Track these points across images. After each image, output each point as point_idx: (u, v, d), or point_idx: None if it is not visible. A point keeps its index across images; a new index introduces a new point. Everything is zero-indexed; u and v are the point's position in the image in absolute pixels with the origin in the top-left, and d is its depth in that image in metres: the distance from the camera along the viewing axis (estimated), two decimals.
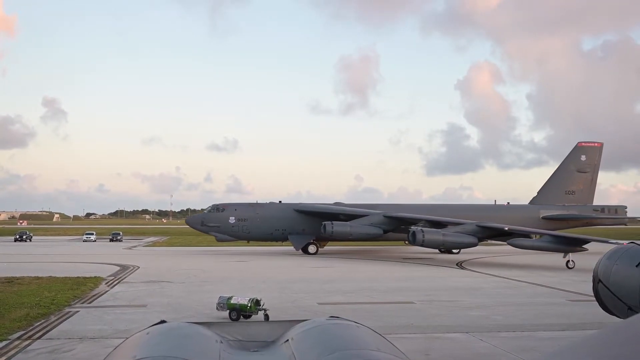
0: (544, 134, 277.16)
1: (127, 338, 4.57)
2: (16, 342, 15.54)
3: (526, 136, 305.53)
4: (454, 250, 52.60)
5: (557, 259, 45.84)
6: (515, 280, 32.67)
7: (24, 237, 78.61)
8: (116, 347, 4.44)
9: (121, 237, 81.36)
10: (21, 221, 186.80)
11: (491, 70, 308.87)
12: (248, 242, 55.95)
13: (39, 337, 16.19)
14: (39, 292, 24.87)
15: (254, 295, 20.06)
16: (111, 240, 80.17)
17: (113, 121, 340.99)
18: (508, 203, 64.22)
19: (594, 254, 53.10)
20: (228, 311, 19.08)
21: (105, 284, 29.06)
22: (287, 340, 4.43)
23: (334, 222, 49.62)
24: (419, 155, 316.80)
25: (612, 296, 9.67)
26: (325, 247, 55.51)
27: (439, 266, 41.88)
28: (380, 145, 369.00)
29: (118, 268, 37.70)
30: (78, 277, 30.46)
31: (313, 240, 52.82)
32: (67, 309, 21.02)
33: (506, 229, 45.26)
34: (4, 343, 15.42)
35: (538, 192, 63.73)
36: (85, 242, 76.53)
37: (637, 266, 9.23)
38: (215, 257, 49.39)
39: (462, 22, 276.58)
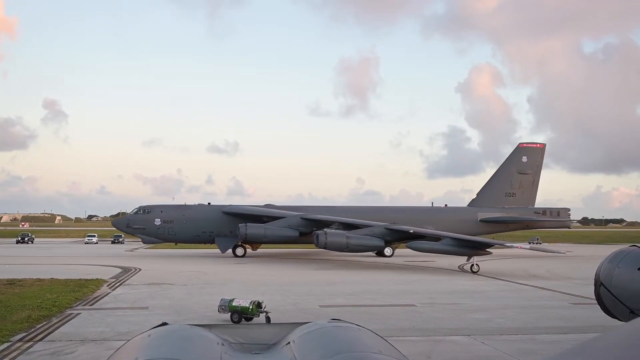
0: (545, 137, 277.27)
1: (128, 340, 4.58)
2: (18, 344, 15.54)
3: (527, 139, 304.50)
4: (387, 253, 51.21)
5: (560, 262, 45.83)
6: (517, 283, 32.64)
7: (26, 239, 78.74)
8: (118, 349, 4.44)
9: (123, 239, 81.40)
10: (23, 223, 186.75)
11: (492, 72, 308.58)
12: (176, 244, 55.22)
13: (41, 339, 16.20)
14: (40, 294, 24.88)
15: (256, 298, 20.07)
16: (113, 242, 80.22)
17: (113, 123, 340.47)
18: (445, 205, 63.05)
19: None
20: (230, 313, 19.08)
21: (107, 286, 29.08)
22: (289, 342, 4.43)
23: (248, 224, 48.86)
24: (420, 157, 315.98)
25: (614, 299, 9.66)
26: (258, 249, 54.53)
27: (440, 269, 41.85)
28: (381, 148, 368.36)
29: (120, 270, 37.73)
30: (80, 279, 30.46)
31: (241, 242, 51.69)
32: (68, 311, 21.02)
33: (411, 231, 44.21)
34: (6, 345, 15.42)
35: (477, 194, 62.04)
36: (87, 244, 76.65)
37: (639, 269, 9.22)
38: (216, 259, 49.40)
39: (463, 24, 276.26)
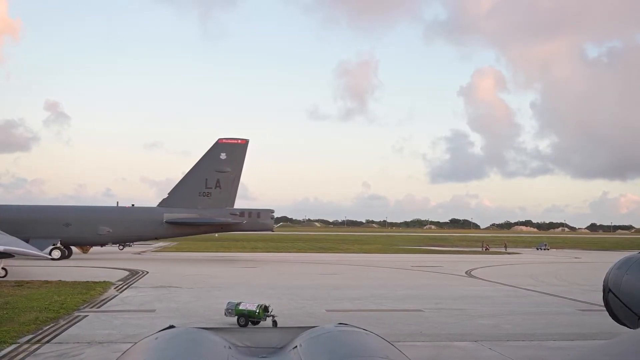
0: (549, 142, 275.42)
1: (135, 343, 4.59)
2: (25, 346, 15.59)
3: (530, 144, 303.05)
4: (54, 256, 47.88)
5: (567, 268, 45.50)
6: (524, 289, 32.48)
7: None
8: (125, 351, 4.45)
9: (131, 242, 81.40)
10: None
11: (495, 76, 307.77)
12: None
13: (48, 341, 16.24)
14: (48, 296, 24.97)
15: (263, 301, 20.07)
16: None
17: (113, 125, 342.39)
18: (132, 205, 60.24)
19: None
20: (236, 317, 19.07)
21: (114, 288, 29.15)
22: (296, 346, 4.43)
23: None
24: (422, 162, 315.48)
25: (622, 306, 9.62)
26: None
27: (447, 274, 41.72)
28: (383, 152, 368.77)
29: (127, 273, 37.84)
30: (87, 282, 30.56)
31: None
32: (76, 313, 21.08)
33: None
34: (13, 347, 15.47)
35: (168, 194, 58.61)
36: (94, 247, 76.76)
37: None
38: (223, 263, 49.48)
39: (465, 28, 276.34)
